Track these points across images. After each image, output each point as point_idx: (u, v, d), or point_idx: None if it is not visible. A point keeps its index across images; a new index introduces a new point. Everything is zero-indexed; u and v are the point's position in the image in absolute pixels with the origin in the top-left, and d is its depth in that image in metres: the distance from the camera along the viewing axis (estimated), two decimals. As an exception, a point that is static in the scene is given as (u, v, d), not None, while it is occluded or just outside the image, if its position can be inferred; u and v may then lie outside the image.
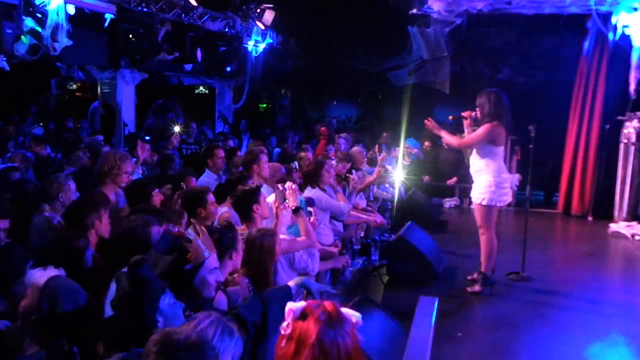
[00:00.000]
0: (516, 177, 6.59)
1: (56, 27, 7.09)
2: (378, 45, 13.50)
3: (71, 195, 4.76)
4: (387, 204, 8.66)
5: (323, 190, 6.51)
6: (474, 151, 6.30)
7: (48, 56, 7.35)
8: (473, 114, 6.32)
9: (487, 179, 6.17)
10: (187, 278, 2.99)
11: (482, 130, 6.14)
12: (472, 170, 6.38)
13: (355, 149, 9.27)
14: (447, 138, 6.47)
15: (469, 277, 6.55)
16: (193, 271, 3.00)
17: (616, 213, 10.09)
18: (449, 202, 11.15)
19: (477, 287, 6.31)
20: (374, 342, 3.89)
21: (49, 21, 7.04)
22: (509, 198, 6.46)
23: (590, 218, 10.50)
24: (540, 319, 5.73)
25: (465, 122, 6.41)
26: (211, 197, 4.73)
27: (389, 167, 8.95)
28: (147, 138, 9.42)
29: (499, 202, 6.25)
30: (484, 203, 6.19)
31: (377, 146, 9.93)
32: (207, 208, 4.62)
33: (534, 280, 6.86)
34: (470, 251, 7.52)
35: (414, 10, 11.43)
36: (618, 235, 9.24)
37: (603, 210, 10.31)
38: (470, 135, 6.26)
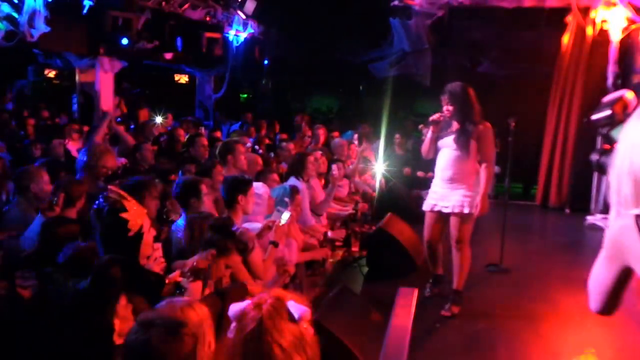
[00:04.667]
0: None
1: (33, 14, 6.98)
2: (359, 36, 13.49)
3: (44, 185, 4.66)
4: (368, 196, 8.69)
5: (306, 182, 6.51)
6: (457, 153, 5.46)
7: (25, 43, 7.23)
8: (442, 115, 5.49)
9: (474, 184, 5.48)
10: (132, 246, 2.99)
11: (486, 134, 5.44)
12: (451, 174, 5.50)
13: (337, 140, 9.27)
14: (487, 177, 5.46)
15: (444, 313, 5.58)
16: (139, 235, 3.01)
17: (593, 205, 10.21)
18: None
19: (454, 308, 5.57)
20: (352, 332, 3.91)
21: (25, 7, 6.93)
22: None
23: (567, 210, 10.61)
24: (518, 310, 5.79)
25: (432, 128, 5.58)
26: (204, 188, 4.70)
27: (369, 158, 8.98)
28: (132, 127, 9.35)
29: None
30: (468, 211, 5.44)
31: (356, 136, 9.94)
32: (201, 199, 4.59)
33: (512, 271, 6.93)
34: (448, 243, 7.56)
35: (396, 2, 11.43)
36: (594, 227, 9.36)
37: (580, 202, 10.44)
38: (487, 151, 5.45)
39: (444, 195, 5.53)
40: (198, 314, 2.07)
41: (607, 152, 2.68)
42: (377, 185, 8.55)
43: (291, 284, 5.21)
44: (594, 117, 4.13)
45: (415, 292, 3.25)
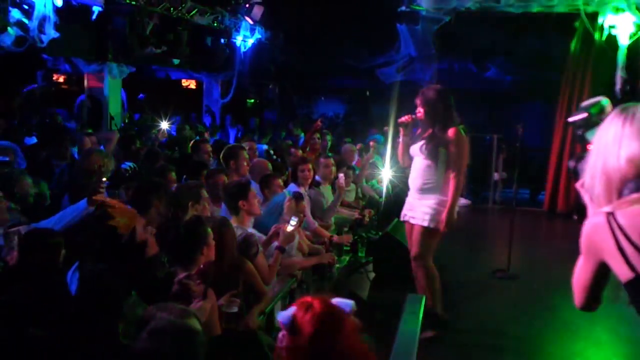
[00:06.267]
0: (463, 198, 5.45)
1: (43, 19, 7.03)
2: (366, 42, 13.52)
3: (28, 189, 4.67)
4: (374, 201, 8.67)
5: (309, 188, 6.52)
6: (426, 161, 5.09)
7: (34, 48, 7.28)
8: (412, 117, 5.14)
9: (444, 196, 5.05)
10: (133, 248, 2.99)
11: (455, 140, 4.99)
12: (420, 184, 5.16)
13: (346, 146, 9.25)
14: (454, 189, 5.02)
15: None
16: (132, 237, 3.01)
17: (601, 212, 10.16)
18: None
19: (429, 333, 4.95)
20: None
21: (35, 13, 6.98)
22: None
23: (575, 216, 10.57)
24: (525, 316, 5.77)
25: (402, 131, 5.25)
26: (204, 193, 4.71)
27: (377, 164, 8.96)
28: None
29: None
30: (432, 225, 5.04)
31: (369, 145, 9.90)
32: (201, 203, 4.60)
33: (519, 278, 6.92)
34: (456, 249, 7.57)
35: (403, 8, 11.45)
36: (602, 234, 9.30)
37: (588, 209, 10.38)
38: (457, 159, 5.00)
39: (413, 205, 5.21)
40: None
41: (583, 159, 2.72)
42: (384, 190, 8.53)
43: (298, 289, 5.21)
44: (571, 119, 4.21)
45: (424, 298, 3.24)
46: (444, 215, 5.00)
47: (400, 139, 5.30)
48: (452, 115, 5.04)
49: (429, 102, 5.03)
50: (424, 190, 5.11)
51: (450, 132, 4.98)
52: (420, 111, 5.08)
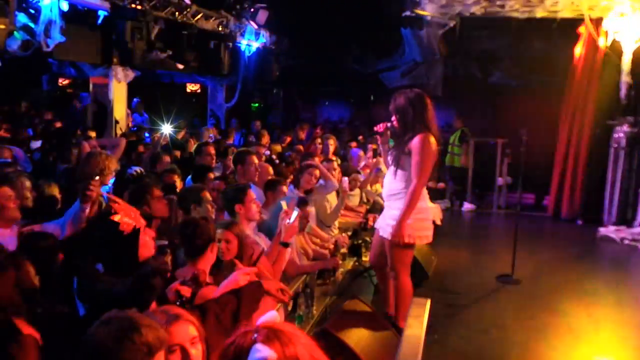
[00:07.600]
0: (439, 209, 5.23)
1: (49, 23, 7.07)
2: (371, 46, 13.54)
3: (25, 192, 4.65)
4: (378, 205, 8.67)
5: (306, 191, 6.52)
6: (392, 169, 4.88)
7: (40, 52, 7.31)
8: (389, 124, 4.90)
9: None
10: (131, 246, 2.99)
11: (418, 147, 4.64)
12: (386, 192, 4.96)
13: (354, 150, 9.26)
14: (408, 198, 4.68)
15: None
16: (133, 236, 3.02)
17: (605, 217, 10.15)
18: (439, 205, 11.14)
19: None
20: (364, 343, 3.91)
21: (42, 17, 7.02)
22: (430, 232, 4.93)
23: (579, 222, 10.55)
24: (529, 322, 5.76)
25: (380, 139, 5.09)
26: (207, 196, 4.72)
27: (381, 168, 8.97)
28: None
29: (420, 239, 4.88)
30: (391, 237, 4.76)
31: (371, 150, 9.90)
32: (203, 206, 4.60)
33: (523, 282, 6.91)
34: (460, 253, 7.56)
35: (408, 12, 11.46)
36: (607, 239, 9.31)
37: (592, 214, 10.38)
38: (416, 167, 4.65)
39: (383, 213, 5.02)
40: (174, 330, 2.08)
41: None
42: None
43: (302, 293, 5.21)
44: None
45: (428, 302, 3.25)
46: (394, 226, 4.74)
47: (381, 148, 5.14)
48: (425, 121, 4.72)
49: (399, 108, 4.79)
50: (389, 198, 4.90)
51: (416, 139, 4.66)
52: (394, 118, 4.86)
